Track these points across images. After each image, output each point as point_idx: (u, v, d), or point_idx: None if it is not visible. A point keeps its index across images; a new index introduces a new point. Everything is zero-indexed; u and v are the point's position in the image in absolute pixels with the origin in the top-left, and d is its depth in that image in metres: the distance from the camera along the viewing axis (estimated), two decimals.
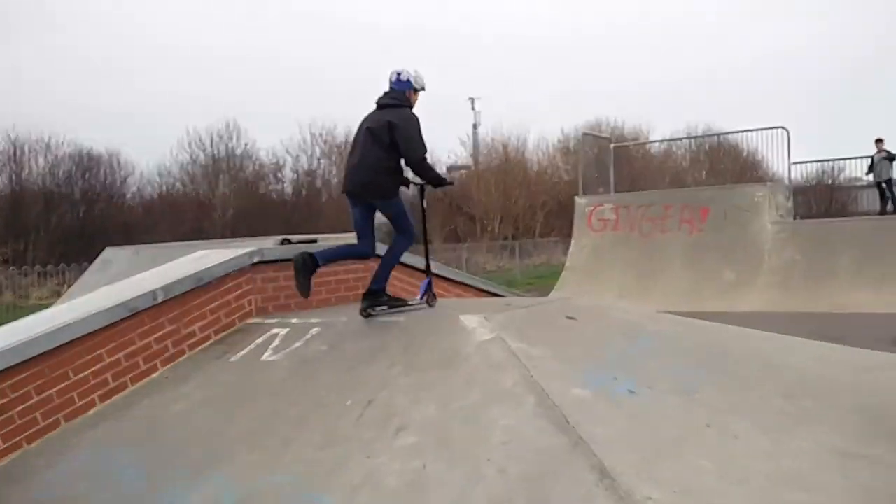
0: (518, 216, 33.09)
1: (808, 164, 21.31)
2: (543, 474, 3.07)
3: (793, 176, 16.28)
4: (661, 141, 33.29)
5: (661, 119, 76.98)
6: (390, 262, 5.39)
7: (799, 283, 13.44)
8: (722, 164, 34.36)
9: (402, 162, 5.19)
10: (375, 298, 5.25)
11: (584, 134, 19.10)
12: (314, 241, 7.21)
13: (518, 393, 3.75)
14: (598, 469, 3.02)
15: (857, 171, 18.19)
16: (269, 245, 7.01)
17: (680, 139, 33.23)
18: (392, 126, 5.00)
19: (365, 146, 5.11)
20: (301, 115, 63.57)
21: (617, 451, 3.17)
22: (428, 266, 5.65)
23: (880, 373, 5.36)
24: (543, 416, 3.50)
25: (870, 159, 16.36)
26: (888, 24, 73.11)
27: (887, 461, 3.48)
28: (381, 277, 5.32)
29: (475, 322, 4.62)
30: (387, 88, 5.26)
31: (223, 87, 54.57)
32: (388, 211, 5.26)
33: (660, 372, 4.31)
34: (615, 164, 18.07)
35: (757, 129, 17.20)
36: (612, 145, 18.55)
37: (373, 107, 5.29)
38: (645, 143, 32.08)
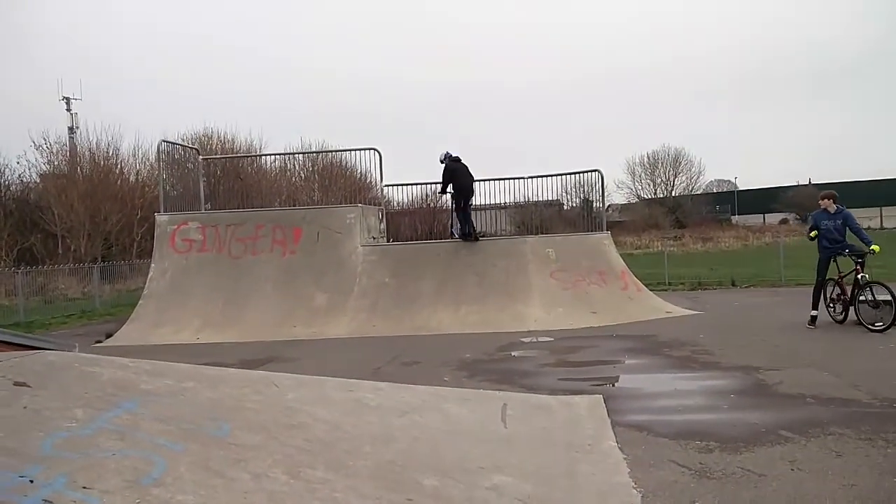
0: (110, 233, 29.24)
1: (402, 186, 22.28)
2: None
3: (401, 199, 16.74)
4: (259, 155, 32.50)
5: (278, 137, 77.45)
6: None
7: (388, 306, 13.61)
8: (335, 185, 34.95)
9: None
10: None
11: (164, 141, 17.22)
12: None
13: None
14: None
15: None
16: None
17: (281, 154, 33.05)
18: None
19: None
20: None
21: None
22: None
23: (417, 416, 5.02)
24: None
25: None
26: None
27: None
28: None
29: None
30: None
31: None
32: None
33: (121, 456, 3.16)
34: (222, 178, 16.67)
35: (352, 149, 17.51)
36: (201, 157, 17.09)
37: None
38: (239, 157, 30.61)
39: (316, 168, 36.81)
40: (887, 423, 5.39)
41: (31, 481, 2.78)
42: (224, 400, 4.26)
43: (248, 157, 31.30)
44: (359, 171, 31.42)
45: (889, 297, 9.64)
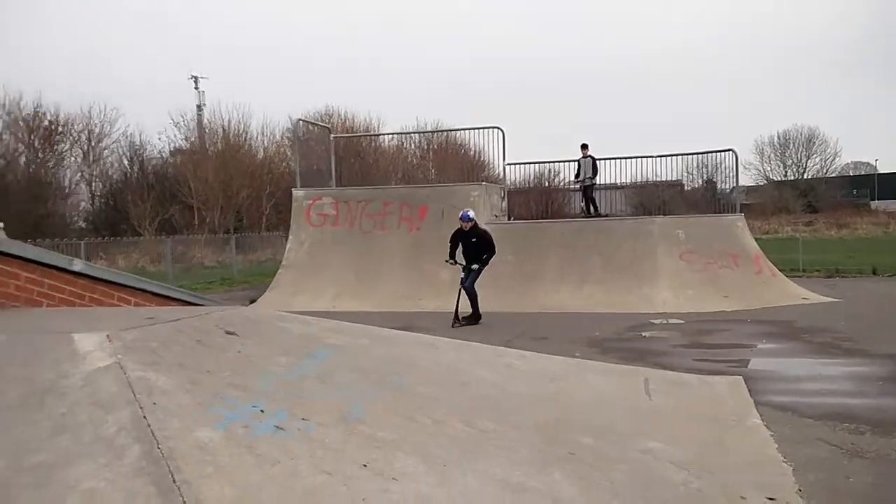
0: (242, 207, 31.10)
1: (524, 165, 22.62)
2: None
3: (514, 178, 16.96)
4: (384, 134, 33.49)
5: (395, 116, 79.20)
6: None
7: (510, 283, 13.89)
8: (450, 164, 35.52)
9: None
10: None
11: (300, 120, 18.12)
12: None
13: (120, 442, 2.78)
14: None
15: (571, 174, 19.48)
16: None
17: (403, 133, 33.74)
18: None
19: None
20: None
21: None
22: None
23: (565, 383, 5.27)
24: (145, 474, 2.59)
25: (577, 164, 17.63)
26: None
27: (557, 493, 3.12)
28: None
29: (92, 343, 3.54)
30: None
31: None
32: None
33: (325, 397, 3.62)
34: (342, 157, 17.46)
35: (475, 128, 17.72)
36: (332, 136, 17.91)
37: None
38: (366, 136, 31.82)
39: (431, 146, 37.53)
40: None
41: (262, 411, 3.25)
42: (397, 357, 4.68)
43: (377, 135, 32.35)
44: (473, 149, 31.96)
45: None
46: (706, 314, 11.58)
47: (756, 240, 15.41)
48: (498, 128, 16.29)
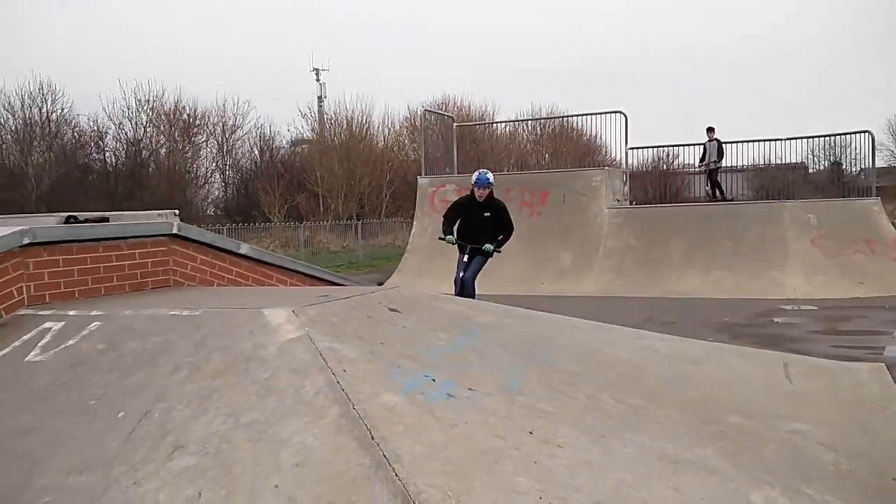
0: (363, 194, 32.28)
1: (645, 149, 22.34)
2: None
3: (630, 161, 16.83)
4: (504, 122, 33.75)
5: (507, 101, 79.07)
6: None
7: (633, 268, 13.89)
8: (564, 148, 35.37)
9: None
10: None
11: (426, 111, 18.74)
12: (105, 219, 6.25)
13: (320, 403, 3.22)
14: (402, 495, 2.57)
15: (691, 157, 19.13)
16: (51, 222, 6.00)
17: (523, 120, 33.84)
18: None
19: None
20: (125, 77, 58.65)
21: (424, 472, 2.74)
22: None
23: (706, 365, 5.37)
24: (346, 431, 3.00)
25: (702, 147, 17.27)
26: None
27: (712, 466, 3.30)
28: None
29: (282, 317, 4.03)
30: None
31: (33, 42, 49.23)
32: None
33: (484, 370, 3.94)
34: (459, 144, 17.91)
35: (596, 113, 17.67)
36: (455, 124, 18.35)
37: None
38: (488, 124, 32.27)
39: (545, 132, 37.40)
40: None
41: (433, 380, 3.62)
42: (540, 335, 4.95)
43: (498, 123, 32.69)
44: (587, 134, 31.63)
45: None
46: (840, 300, 11.16)
47: (893, 224, 14.61)
48: (620, 112, 16.21)
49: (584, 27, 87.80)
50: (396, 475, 2.66)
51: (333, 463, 2.81)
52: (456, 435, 3.12)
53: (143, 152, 32.17)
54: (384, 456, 2.79)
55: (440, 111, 24.33)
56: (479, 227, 8.60)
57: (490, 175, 8.64)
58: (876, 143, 15.44)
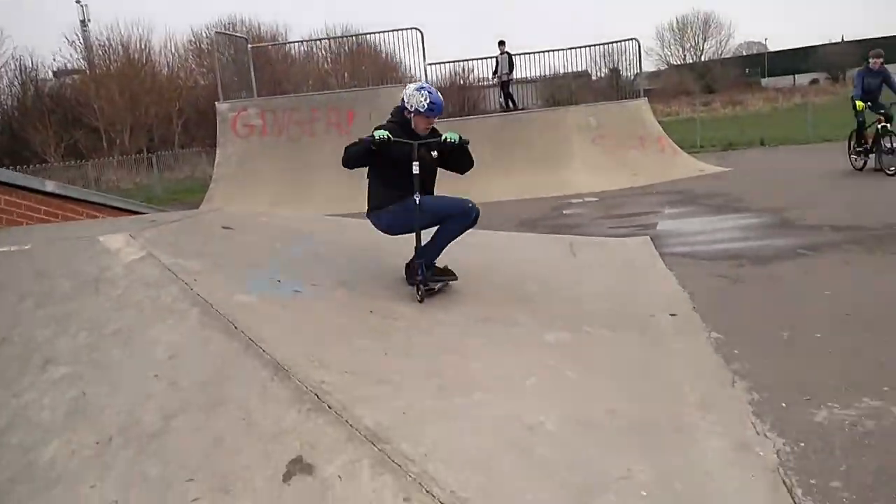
0: (151, 126, 30.31)
1: (442, 64, 23.19)
2: (218, 379, 3.02)
3: (430, 77, 17.37)
4: (301, 41, 33.01)
5: (297, 22, 76.24)
6: None
7: (443, 176, 14.71)
8: (364, 67, 35.22)
9: None
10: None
11: (217, 33, 17.99)
12: None
13: (179, 308, 3.56)
14: (272, 365, 3.06)
15: (486, 71, 20.12)
16: None
17: (319, 39, 33.25)
18: None
19: None
20: None
21: (287, 346, 3.24)
22: None
23: (510, 252, 6.25)
24: (210, 326, 3.39)
25: (495, 60, 18.24)
26: None
27: (514, 320, 4.11)
28: None
29: (120, 242, 4.20)
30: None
31: None
32: None
33: (324, 271, 4.44)
34: (255, 66, 17.50)
35: (393, 30, 17.98)
36: (249, 46, 17.85)
37: None
38: (284, 44, 31.44)
39: (342, 52, 36.97)
40: (889, 242, 6.52)
41: (279, 280, 4.07)
42: (361, 241, 5.54)
43: (295, 42, 31.84)
44: (384, 52, 31.89)
45: None
46: (618, 191, 12.86)
47: (659, 122, 16.73)
48: (416, 28, 16.66)
49: None
50: (264, 351, 3.14)
51: (205, 351, 3.22)
52: (309, 318, 3.64)
53: None
54: (250, 339, 3.24)
55: (232, 33, 23.30)
56: (430, 170, 5.33)
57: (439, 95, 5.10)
58: (647, 48, 17.30)
